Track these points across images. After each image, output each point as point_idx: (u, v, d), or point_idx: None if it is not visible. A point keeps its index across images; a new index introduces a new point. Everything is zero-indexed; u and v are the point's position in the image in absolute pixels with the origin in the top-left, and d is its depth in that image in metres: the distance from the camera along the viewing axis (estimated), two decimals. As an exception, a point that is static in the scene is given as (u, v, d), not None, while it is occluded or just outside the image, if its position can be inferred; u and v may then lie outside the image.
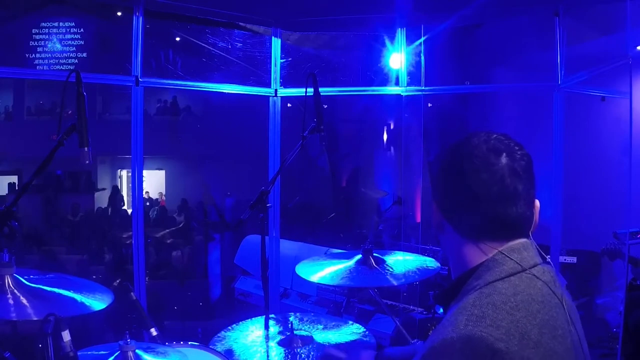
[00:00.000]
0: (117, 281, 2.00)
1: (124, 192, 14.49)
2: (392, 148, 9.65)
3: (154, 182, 13.82)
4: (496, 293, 0.99)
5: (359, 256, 2.30)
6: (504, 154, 1.06)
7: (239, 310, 4.64)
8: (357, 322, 2.22)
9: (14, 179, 12.53)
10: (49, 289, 1.56)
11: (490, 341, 0.91)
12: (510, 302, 0.97)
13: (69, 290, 1.59)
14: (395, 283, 2.18)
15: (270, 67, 3.89)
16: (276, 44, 3.90)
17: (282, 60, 3.92)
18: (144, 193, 10.17)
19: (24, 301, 1.45)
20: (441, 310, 2.90)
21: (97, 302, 1.57)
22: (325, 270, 2.26)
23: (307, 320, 2.21)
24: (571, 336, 1.02)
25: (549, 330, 0.97)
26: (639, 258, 3.73)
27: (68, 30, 11.67)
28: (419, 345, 1.12)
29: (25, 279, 1.54)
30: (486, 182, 1.04)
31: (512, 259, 1.04)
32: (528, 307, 0.98)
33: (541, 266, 1.07)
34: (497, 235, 1.06)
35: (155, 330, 1.99)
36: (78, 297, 1.57)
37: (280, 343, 1.99)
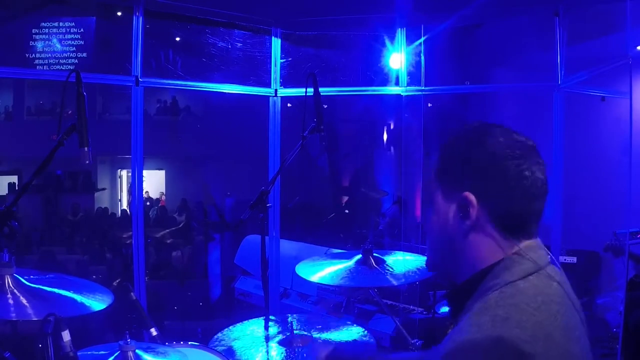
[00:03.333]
0: (117, 281, 2.00)
1: (124, 192, 14.49)
2: (392, 148, 9.65)
3: (154, 182, 13.82)
4: (518, 293, 0.97)
5: (359, 256, 2.30)
6: (537, 150, 1.07)
7: (239, 310, 4.64)
8: (357, 322, 2.22)
9: (14, 179, 12.53)
10: (49, 289, 1.56)
11: (517, 343, 0.89)
12: (533, 303, 0.95)
13: (69, 290, 1.59)
14: (395, 283, 2.18)
15: (270, 67, 3.90)
16: (276, 44, 3.90)
17: (282, 60, 3.92)
18: (144, 193, 10.16)
19: (24, 301, 1.45)
20: (444, 309, 2.90)
21: (97, 303, 1.57)
22: (325, 270, 2.26)
23: (306, 321, 2.21)
24: (584, 337, 1.01)
25: (569, 331, 0.96)
26: None
27: (68, 30, 11.67)
28: (429, 352, 1.09)
29: (25, 279, 1.54)
30: (525, 174, 1.02)
31: (529, 258, 1.02)
32: (549, 309, 0.96)
33: (552, 266, 1.06)
34: (521, 230, 1.04)
35: (155, 330, 1.99)
36: (78, 297, 1.57)
37: (280, 343, 1.99)
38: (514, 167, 1.02)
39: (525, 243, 1.04)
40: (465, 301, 1.04)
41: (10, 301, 1.43)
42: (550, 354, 0.91)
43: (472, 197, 1.03)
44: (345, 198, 10.54)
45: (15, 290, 1.48)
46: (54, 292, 1.56)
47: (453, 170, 1.08)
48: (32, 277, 1.58)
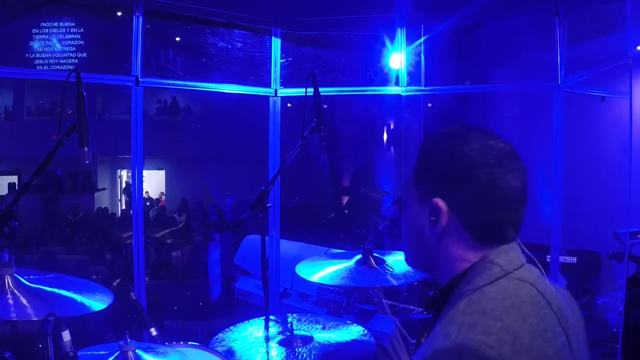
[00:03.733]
0: (117, 281, 2.00)
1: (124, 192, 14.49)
2: (392, 148, 9.65)
3: (154, 182, 13.82)
4: (485, 298, 0.97)
5: (359, 256, 2.30)
6: (516, 156, 1.06)
7: (239, 310, 4.64)
8: (357, 322, 2.22)
9: (14, 179, 12.54)
10: (49, 289, 1.56)
11: (482, 350, 0.89)
12: (500, 307, 0.95)
13: (69, 290, 1.59)
14: (395, 283, 2.18)
15: (270, 67, 3.89)
16: (276, 44, 3.90)
17: (282, 60, 3.92)
18: (144, 193, 10.17)
19: (24, 301, 1.45)
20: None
21: (97, 303, 1.57)
22: (325, 270, 2.26)
23: (306, 321, 2.21)
24: (560, 337, 1.00)
25: (540, 333, 0.96)
26: None
27: (68, 30, 11.68)
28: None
29: (25, 279, 1.54)
30: (498, 183, 1.01)
31: (499, 262, 1.02)
32: (518, 311, 0.96)
33: (527, 266, 1.05)
34: (496, 238, 1.04)
35: (155, 330, 1.99)
36: (78, 297, 1.57)
37: (280, 343, 1.99)
38: (486, 176, 1.02)
39: (499, 247, 1.04)
40: (443, 307, 1.05)
41: (10, 301, 1.43)
42: (520, 358, 0.91)
43: (442, 204, 1.04)
44: (346, 198, 10.54)
45: (15, 290, 1.48)
46: (54, 292, 1.56)
47: (426, 175, 1.09)
48: (32, 277, 1.58)
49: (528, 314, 0.96)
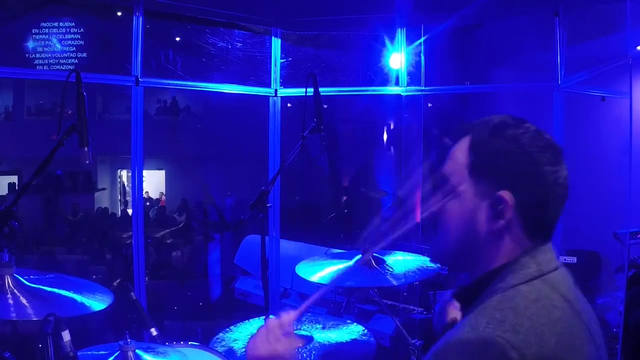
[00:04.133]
0: (117, 281, 2.00)
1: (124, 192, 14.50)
2: (392, 148, 9.64)
3: (154, 182, 13.81)
4: (519, 297, 0.96)
5: (359, 256, 2.30)
6: (562, 152, 1.05)
7: (239, 310, 4.64)
8: (357, 322, 2.22)
9: (14, 179, 12.53)
10: (49, 289, 1.56)
11: (504, 348, 0.89)
12: (532, 308, 0.94)
13: (69, 290, 1.58)
14: (395, 283, 2.18)
15: (270, 67, 3.90)
16: (276, 44, 3.90)
17: (282, 60, 3.92)
18: (144, 193, 10.17)
19: (24, 301, 1.45)
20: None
21: (97, 303, 1.57)
22: (325, 270, 2.26)
23: (306, 321, 2.21)
24: (588, 346, 0.99)
25: (568, 339, 0.95)
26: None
27: (68, 30, 11.67)
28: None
29: (25, 279, 1.54)
30: (559, 181, 1.02)
31: (535, 262, 1.01)
32: (549, 315, 0.95)
33: (561, 270, 1.04)
34: (545, 235, 1.04)
35: (155, 330, 1.99)
36: (78, 297, 1.56)
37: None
38: (551, 173, 1.01)
39: (539, 246, 1.04)
40: (472, 302, 1.04)
41: (10, 301, 1.43)
42: None
43: (509, 198, 1.01)
44: (344, 197, 10.54)
45: (15, 290, 1.48)
46: (54, 292, 1.56)
47: (490, 166, 1.04)
48: (32, 277, 1.58)
49: (558, 318, 0.95)
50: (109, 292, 1.66)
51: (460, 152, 1.08)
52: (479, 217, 1.04)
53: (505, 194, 1.01)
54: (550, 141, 1.05)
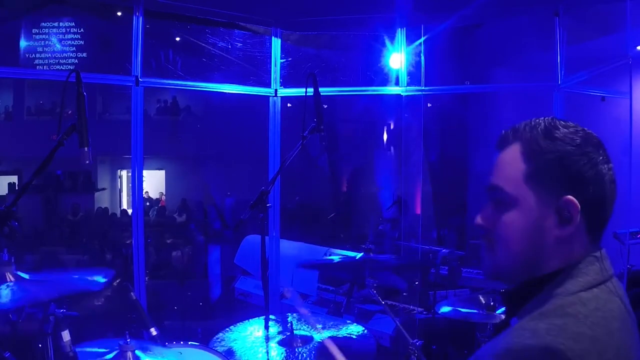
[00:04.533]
0: (117, 281, 2.00)
1: (124, 192, 14.50)
2: (392, 148, 9.65)
3: (154, 182, 13.81)
4: (579, 304, 0.94)
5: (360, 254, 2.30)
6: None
7: (239, 310, 4.64)
8: (357, 322, 2.22)
9: (14, 179, 12.53)
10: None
11: (568, 356, 0.87)
12: (592, 317, 0.92)
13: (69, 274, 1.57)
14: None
15: (270, 67, 3.89)
16: (276, 44, 3.90)
17: (282, 60, 3.92)
18: (144, 193, 10.17)
19: (26, 287, 1.44)
20: (445, 309, 2.89)
21: (97, 280, 1.56)
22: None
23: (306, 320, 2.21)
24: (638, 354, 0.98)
25: (625, 351, 0.93)
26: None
27: (68, 30, 11.67)
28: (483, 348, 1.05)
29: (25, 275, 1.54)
30: (614, 179, 1.02)
31: (594, 269, 0.99)
32: (608, 325, 0.93)
33: (615, 279, 1.02)
34: (600, 237, 1.03)
35: (155, 330, 1.99)
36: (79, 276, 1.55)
37: (280, 343, 1.99)
38: (607, 172, 1.01)
39: (593, 253, 1.01)
40: (524, 303, 1.01)
41: (12, 290, 1.43)
42: None
43: (576, 202, 0.98)
44: (344, 190, 10.54)
45: (15, 285, 1.47)
46: (54, 278, 1.55)
47: (551, 172, 1.00)
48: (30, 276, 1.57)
49: (617, 329, 0.94)
50: (108, 270, 1.65)
51: (513, 160, 1.04)
52: (546, 225, 1.00)
53: (572, 198, 0.98)
54: (600, 140, 1.03)
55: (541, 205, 1.01)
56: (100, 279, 1.55)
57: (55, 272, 1.64)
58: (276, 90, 3.88)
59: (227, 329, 2.11)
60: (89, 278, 1.56)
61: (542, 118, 1.06)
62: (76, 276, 1.55)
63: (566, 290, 0.97)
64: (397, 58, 4.11)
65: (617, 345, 0.92)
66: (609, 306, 0.96)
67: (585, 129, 1.04)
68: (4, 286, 1.42)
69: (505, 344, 0.92)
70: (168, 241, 9.51)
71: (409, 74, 4.09)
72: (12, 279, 1.48)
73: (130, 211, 8.58)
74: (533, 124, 1.05)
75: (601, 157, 1.01)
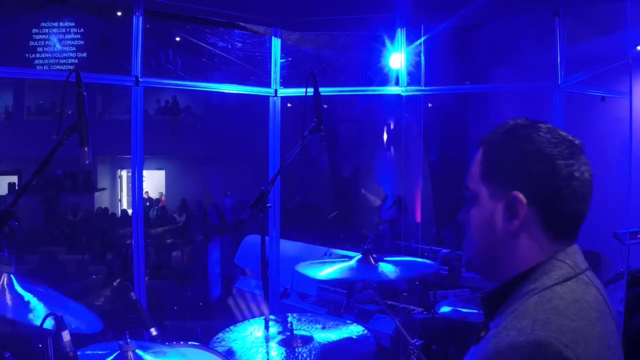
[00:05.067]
0: (117, 281, 2.00)
1: (124, 192, 14.50)
2: (392, 148, 9.66)
3: (154, 182, 13.82)
4: (557, 298, 0.96)
5: (359, 256, 2.30)
6: (584, 149, 1.06)
7: (239, 310, 4.64)
8: (357, 322, 2.22)
9: (14, 179, 12.54)
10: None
11: (560, 348, 0.88)
12: (572, 309, 0.94)
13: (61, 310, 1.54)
14: (391, 277, 2.17)
15: (270, 67, 3.89)
16: (276, 44, 3.90)
17: (282, 60, 3.92)
18: (144, 193, 10.17)
19: (24, 300, 1.43)
20: (445, 309, 2.89)
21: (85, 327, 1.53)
22: (325, 271, 2.26)
23: (306, 321, 2.21)
24: (618, 346, 1.00)
25: (606, 340, 0.95)
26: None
27: (68, 30, 11.69)
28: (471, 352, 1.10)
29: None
30: (575, 175, 1.01)
31: (568, 263, 1.01)
32: (588, 315, 0.95)
33: (590, 271, 1.04)
34: (567, 233, 1.04)
35: (155, 330, 1.99)
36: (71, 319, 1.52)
37: (280, 343, 1.99)
38: (564, 167, 1.01)
39: (568, 246, 1.03)
40: (501, 304, 1.03)
41: (9, 302, 1.42)
42: None
43: (521, 197, 1.01)
44: (345, 189, 10.54)
45: (15, 289, 1.47)
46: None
47: (501, 168, 1.06)
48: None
49: (596, 319, 0.95)
50: (99, 321, 1.62)
51: (477, 159, 1.10)
52: (496, 219, 1.05)
53: (517, 193, 1.01)
54: (566, 137, 1.04)
55: (493, 201, 1.06)
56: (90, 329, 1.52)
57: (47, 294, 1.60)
58: (276, 90, 3.87)
59: (227, 329, 2.11)
60: (80, 325, 1.52)
61: (516, 118, 1.10)
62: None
63: (541, 285, 0.99)
64: (397, 58, 4.11)
65: (599, 335, 0.94)
66: (587, 297, 0.97)
67: (556, 128, 1.06)
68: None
69: (494, 345, 0.93)
70: (168, 241, 9.52)
71: (409, 74, 4.09)
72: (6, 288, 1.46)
73: (130, 211, 8.59)
74: (502, 124, 1.09)
75: (561, 153, 1.01)
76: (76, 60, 11.53)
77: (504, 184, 1.04)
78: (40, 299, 1.50)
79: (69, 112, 1.66)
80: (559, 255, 1.02)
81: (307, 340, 2.01)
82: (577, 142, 1.05)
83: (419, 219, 5.54)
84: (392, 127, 9.46)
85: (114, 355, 1.62)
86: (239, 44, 4.35)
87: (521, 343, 0.90)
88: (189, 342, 1.93)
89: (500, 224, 1.04)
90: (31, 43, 11.42)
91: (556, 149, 1.01)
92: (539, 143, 1.02)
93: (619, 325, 1.07)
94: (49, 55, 11.57)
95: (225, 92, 3.91)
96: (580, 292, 0.98)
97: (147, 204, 12.70)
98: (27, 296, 1.47)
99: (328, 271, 2.23)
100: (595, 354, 0.91)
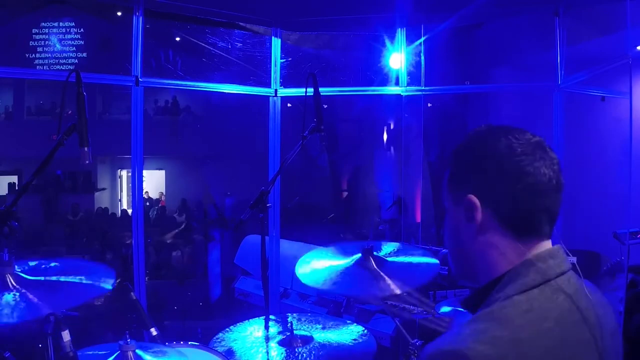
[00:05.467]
0: (117, 281, 2.00)
1: (124, 192, 14.51)
2: (392, 148, 9.66)
3: (154, 182, 13.82)
4: (509, 308, 0.95)
5: (359, 255, 2.29)
6: (545, 146, 1.06)
7: (239, 310, 4.64)
8: (357, 322, 2.22)
9: (14, 179, 12.55)
10: (51, 278, 1.53)
11: (472, 359, 0.88)
12: (519, 320, 0.93)
13: (70, 275, 1.55)
14: (398, 292, 2.13)
15: (270, 67, 3.89)
16: (276, 44, 3.90)
17: (282, 60, 3.92)
18: (144, 193, 10.17)
19: (29, 296, 1.43)
20: (445, 309, 2.90)
21: (99, 287, 1.54)
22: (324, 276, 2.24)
23: (306, 321, 2.21)
24: (589, 356, 0.98)
25: (558, 351, 0.93)
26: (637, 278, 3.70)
27: (68, 30, 11.69)
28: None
29: (26, 274, 1.52)
30: (526, 170, 1.00)
31: (537, 270, 0.99)
32: (537, 327, 0.93)
33: (569, 274, 1.02)
34: (531, 231, 1.02)
35: (155, 330, 1.99)
36: (82, 279, 1.53)
37: (280, 343, 1.99)
38: (513, 164, 1.00)
39: (539, 248, 1.02)
40: (477, 308, 1.03)
41: (13, 302, 1.42)
42: None
43: (474, 199, 1.02)
44: (345, 193, 10.55)
45: (17, 287, 1.46)
46: (57, 281, 1.52)
47: (457, 174, 1.08)
48: (33, 267, 1.56)
49: (549, 329, 0.94)
50: (110, 271, 1.63)
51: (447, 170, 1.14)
52: (461, 225, 1.06)
53: (471, 196, 1.03)
54: (522, 137, 1.04)
55: (456, 207, 1.07)
56: (106, 285, 1.53)
57: (56, 270, 1.61)
58: (276, 90, 3.88)
59: (227, 329, 2.11)
60: (94, 283, 1.54)
61: (481, 126, 1.12)
62: (80, 279, 1.52)
63: (504, 294, 0.98)
64: (397, 58, 4.11)
65: (547, 346, 0.92)
66: (545, 306, 0.96)
67: (512, 128, 1.06)
68: (6, 296, 1.40)
69: (429, 347, 0.95)
70: (168, 241, 9.52)
71: (409, 74, 4.09)
72: (14, 283, 1.46)
73: (130, 211, 8.59)
74: (470, 133, 1.12)
75: (511, 150, 1.01)
76: (76, 60, 11.53)
77: (461, 189, 1.05)
78: (43, 290, 1.49)
79: (69, 112, 1.66)
80: (530, 259, 1.01)
81: (307, 340, 2.01)
82: (534, 139, 1.05)
83: (419, 218, 5.54)
84: (392, 127, 9.46)
85: (114, 355, 1.62)
86: (239, 44, 4.35)
87: (443, 350, 0.91)
88: (189, 342, 1.93)
89: (464, 228, 1.05)
90: (31, 43, 11.42)
91: (506, 149, 1.02)
92: (490, 146, 1.04)
93: (610, 327, 1.06)
94: (49, 55, 11.58)
95: (225, 92, 3.91)
96: (540, 301, 0.96)
97: (147, 204, 12.70)
98: (28, 296, 1.47)
99: (326, 280, 2.20)
100: None
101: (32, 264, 1.58)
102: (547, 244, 1.04)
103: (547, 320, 0.94)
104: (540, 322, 0.94)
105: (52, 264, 1.63)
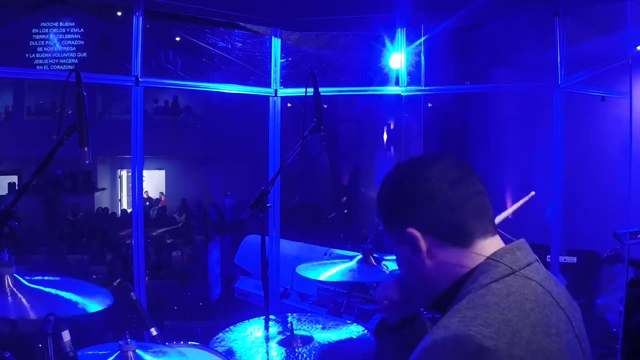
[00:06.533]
0: (117, 281, 2.00)
1: (124, 192, 14.51)
2: (392, 148, 9.65)
3: (154, 182, 13.83)
4: (490, 294, 1.00)
5: (359, 256, 2.30)
6: (445, 157, 1.12)
7: (239, 310, 4.64)
8: (357, 322, 2.22)
9: (14, 179, 12.55)
10: (48, 290, 1.55)
11: (478, 339, 0.91)
12: (503, 303, 0.98)
13: (69, 291, 1.57)
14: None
15: (270, 67, 3.89)
16: (276, 44, 3.90)
17: (282, 60, 3.92)
18: (144, 193, 10.17)
19: (24, 301, 1.44)
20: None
21: (95, 304, 1.55)
22: (326, 273, 2.26)
23: (306, 321, 2.21)
24: (567, 335, 1.02)
25: (542, 328, 0.98)
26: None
27: (68, 30, 11.69)
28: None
29: (25, 280, 1.53)
30: (442, 187, 1.07)
31: (505, 261, 1.05)
32: (521, 307, 0.98)
33: (535, 265, 1.08)
34: (473, 234, 1.07)
35: (156, 330, 1.99)
36: (78, 298, 1.55)
37: (280, 343, 1.99)
38: (430, 187, 1.07)
39: (493, 244, 1.08)
40: (447, 306, 1.06)
41: (10, 300, 1.43)
42: (517, 350, 0.93)
43: (413, 231, 1.08)
44: (345, 198, 10.55)
45: (15, 290, 1.47)
46: (54, 293, 1.54)
47: (389, 217, 1.14)
48: (32, 278, 1.57)
49: (531, 309, 0.99)
50: (108, 294, 1.65)
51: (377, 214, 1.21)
52: (411, 258, 1.11)
53: (409, 230, 1.09)
54: (427, 156, 1.12)
55: (400, 245, 1.13)
56: (97, 306, 1.53)
57: (56, 281, 1.62)
58: (276, 90, 3.87)
59: (227, 329, 2.11)
60: (89, 300, 1.54)
61: (394, 167, 1.17)
62: (78, 298, 1.53)
63: (478, 284, 1.03)
64: (397, 58, 4.11)
65: (533, 324, 0.97)
66: (522, 291, 1.01)
67: (419, 158, 1.15)
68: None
69: (423, 343, 0.98)
70: (168, 241, 9.52)
71: (409, 74, 4.09)
72: (12, 285, 1.47)
73: (130, 211, 8.59)
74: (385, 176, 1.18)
75: (418, 172, 1.09)
76: (76, 60, 11.54)
77: (398, 227, 1.11)
78: (42, 295, 1.50)
79: (69, 112, 1.66)
80: (496, 255, 1.06)
81: (307, 340, 2.01)
82: (432, 157, 1.12)
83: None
84: (392, 127, 9.45)
85: (114, 355, 1.62)
86: (239, 44, 4.35)
87: (443, 339, 0.94)
88: (189, 342, 1.93)
89: (416, 260, 1.10)
90: (31, 43, 11.43)
91: (418, 174, 1.09)
92: (402, 180, 1.11)
93: (577, 311, 1.11)
94: (49, 55, 11.58)
95: (225, 92, 3.91)
96: (517, 286, 1.02)
97: (147, 204, 12.70)
98: (28, 296, 1.48)
99: (329, 273, 2.23)
100: (525, 343, 0.94)
101: (34, 278, 1.58)
102: (496, 239, 1.10)
103: (527, 302, 1.00)
104: (522, 303, 0.99)
105: (53, 278, 1.64)
